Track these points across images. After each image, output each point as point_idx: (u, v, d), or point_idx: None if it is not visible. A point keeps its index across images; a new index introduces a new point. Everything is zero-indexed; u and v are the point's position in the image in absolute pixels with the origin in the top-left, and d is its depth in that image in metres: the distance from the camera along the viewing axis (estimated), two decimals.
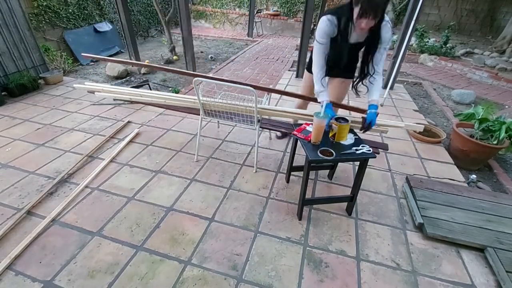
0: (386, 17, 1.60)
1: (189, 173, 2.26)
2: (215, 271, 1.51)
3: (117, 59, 2.55)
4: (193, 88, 3.99)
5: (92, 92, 2.59)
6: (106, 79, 4.38)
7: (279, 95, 3.89)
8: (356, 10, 1.49)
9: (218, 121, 2.93)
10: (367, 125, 1.78)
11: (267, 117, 2.37)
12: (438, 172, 2.46)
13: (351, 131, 1.85)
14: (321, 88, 1.80)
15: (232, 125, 3.03)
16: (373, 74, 1.77)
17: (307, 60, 2.21)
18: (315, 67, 1.80)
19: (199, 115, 2.29)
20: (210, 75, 2.67)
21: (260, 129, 2.35)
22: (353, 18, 1.56)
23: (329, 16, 1.65)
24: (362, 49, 1.80)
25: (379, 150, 2.08)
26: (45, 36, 4.71)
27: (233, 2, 9.34)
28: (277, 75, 4.90)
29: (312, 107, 2.32)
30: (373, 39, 1.67)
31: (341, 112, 2.26)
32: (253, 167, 2.36)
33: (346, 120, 1.67)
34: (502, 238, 1.74)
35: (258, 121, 2.19)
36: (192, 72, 2.39)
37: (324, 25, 1.66)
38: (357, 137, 1.78)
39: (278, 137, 2.88)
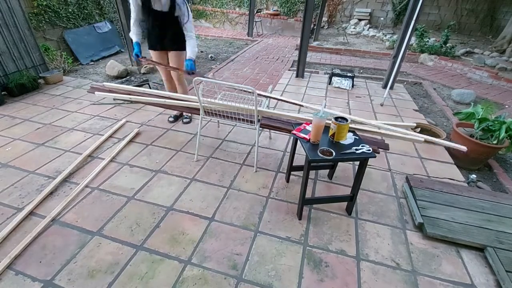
0: None
1: (189, 172, 2.26)
2: (215, 270, 1.51)
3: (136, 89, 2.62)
4: (192, 88, 3.99)
5: (114, 99, 2.78)
6: (106, 78, 4.38)
7: (279, 95, 3.89)
8: None
9: (218, 121, 2.93)
10: (188, 71, 2.49)
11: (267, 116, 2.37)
12: (438, 171, 2.46)
13: (351, 130, 1.86)
14: (132, 33, 2.49)
15: (232, 125, 3.03)
16: (187, 38, 2.49)
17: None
18: (132, 22, 2.45)
19: (199, 114, 2.29)
20: (211, 74, 2.67)
21: (260, 128, 2.35)
22: None
23: None
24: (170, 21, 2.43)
25: (380, 150, 2.08)
26: (45, 36, 4.71)
27: (233, 2, 9.34)
28: (277, 75, 4.90)
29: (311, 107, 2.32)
30: (173, 8, 2.35)
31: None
32: (253, 166, 2.36)
33: (346, 120, 1.67)
34: (502, 237, 1.74)
35: (258, 120, 2.19)
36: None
37: None
38: (357, 137, 1.78)
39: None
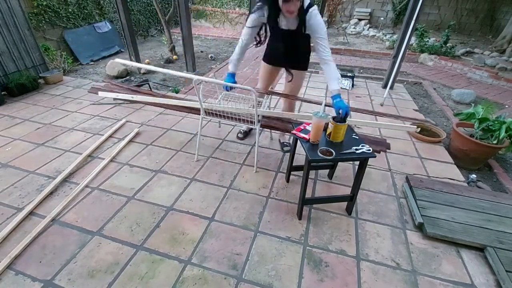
0: (315, 7, 1.77)
1: (189, 172, 2.26)
2: (215, 270, 1.51)
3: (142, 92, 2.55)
4: (193, 87, 3.98)
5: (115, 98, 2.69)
6: (106, 78, 4.37)
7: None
8: None
9: (219, 121, 2.92)
10: (341, 116, 1.72)
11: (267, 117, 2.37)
12: (438, 171, 2.46)
13: (352, 130, 1.86)
14: (235, 57, 2.08)
15: (232, 125, 3.03)
16: (322, 62, 1.88)
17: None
18: (238, 45, 2.05)
19: (199, 115, 2.29)
20: (211, 74, 2.66)
21: (261, 128, 2.35)
22: (278, 5, 1.71)
23: (259, 3, 1.84)
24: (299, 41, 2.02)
25: (381, 150, 2.08)
26: (45, 36, 4.71)
27: (233, 2, 9.33)
28: None
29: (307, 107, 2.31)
30: (302, 26, 1.81)
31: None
32: (253, 166, 2.36)
33: (344, 120, 1.67)
34: (502, 237, 1.74)
35: (259, 121, 2.19)
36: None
37: (254, 11, 1.87)
38: (357, 137, 1.78)
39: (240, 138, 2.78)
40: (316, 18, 1.78)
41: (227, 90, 2.16)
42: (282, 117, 2.33)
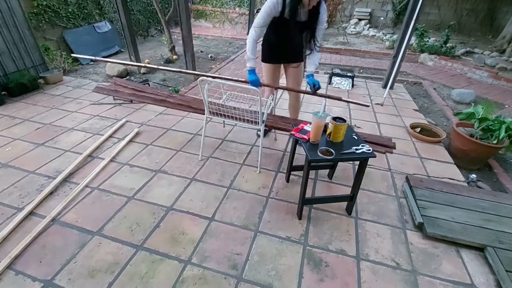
0: None
1: (189, 172, 2.26)
2: (215, 270, 1.51)
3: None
4: (193, 87, 3.98)
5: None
6: (106, 78, 4.38)
7: (280, 95, 3.89)
8: None
9: (224, 121, 2.92)
10: (314, 88, 2.11)
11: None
12: (438, 171, 2.46)
13: (352, 130, 1.86)
14: (253, 55, 2.10)
15: (232, 125, 3.03)
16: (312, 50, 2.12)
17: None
18: (251, 41, 2.04)
19: (203, 114, 2.29)
20: (212, 74, 2.65)
21: (266, 128, 2.34)
22: None
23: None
24: (304, 32, 2.10)
25: (386, 150, 2.08)
26: (45, 36, 4.70)
27: (233, 2, 9.33)
28: None
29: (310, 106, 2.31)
30: (316, 17, 1.95)
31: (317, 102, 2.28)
32: (253, 166, 2.36)
33: (344, 120, 1.67)
34: (502, 237, 1.74)
35: (263, 121, 2.19)
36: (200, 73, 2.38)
37: (270, 4, 1.88)
38: (357, 137, 1.78)
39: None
40: (325, 9, 1.96)
41: (258, 86, 2.13)
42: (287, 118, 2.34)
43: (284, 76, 2.55)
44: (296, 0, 1.83)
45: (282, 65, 2.42)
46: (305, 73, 2.18)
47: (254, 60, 2.12)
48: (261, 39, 2.17)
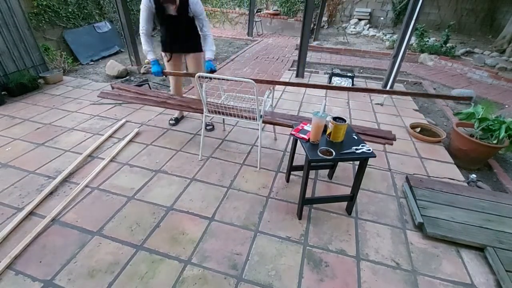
0: None
1: (189, 172, 2.26)
2: (215, 270, 1.51)
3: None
4: (192, 87, 3.98)
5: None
6: (106, 78, 4.38)
7: (279, 95, 3.89)
8: None
9: (223, 120, 2.92)
10: (209, 71, 2.40)
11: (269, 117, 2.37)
12: (438, 171, 2.46)
13: (352, 130, 1.86)
14: (148, 48, 2.39)
15: (232, 125, 3.03)
16: (203, 37, 2.45)
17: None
18: (142, 36, 2.36)
19: (201, 113, 2.29)
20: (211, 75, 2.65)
21: (263, 124, 2.34)
22: None
23: None
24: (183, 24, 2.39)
25: (386, 142, 2.08)
26: (45, 36, 4.71)
27: (233, 2, 9.34)
28: (277, 75, 4.90)
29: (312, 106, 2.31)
30: (185, 11, 2.28)
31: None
32: (253, 166, 2.36)
33: (344, 120, 1.67)
34: (502, 237, 1.74)
35: (261, 116, 2.18)
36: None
37: (144, 2, 2.23)
38: (357, 137, 1.78)
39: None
40: (198, 4, 2.30)
41: (160, 75, 2.46)
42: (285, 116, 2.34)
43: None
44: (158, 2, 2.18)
45: (183, 55, 2.66)
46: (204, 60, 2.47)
47: (151, 52, 2.39)
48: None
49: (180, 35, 2.45)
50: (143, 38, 2.36)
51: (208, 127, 2.89)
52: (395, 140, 2.13)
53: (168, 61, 2.62)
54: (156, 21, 2.39)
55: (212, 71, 2.41)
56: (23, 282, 1.42)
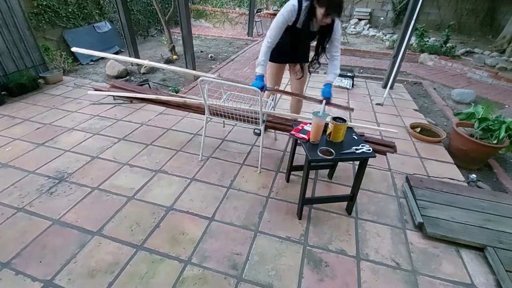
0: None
1: (189, 172, 2.26)
2: (215, 270, 1.51)
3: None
4: (193, 87, 3.98)
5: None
6: (106, 78, 4.37)
7: (279, 95, 3.88)
8: (321, 11, 1.77)
9: (223, 121, 2.92)
10: (324, 100, 2.13)
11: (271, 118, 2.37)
12: (438, 171, 2.46)
13: (352, 130, 1.86)
14: (264, 63, 2.08)
15: (232, 125, 3.03)
16: (331, 58, 2.12)
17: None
18: (265, 47, 2.03)
19: (203, 114, 2.29)
20: (216, 74, 2.65)
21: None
22: (315, 15, 1.83)
23: (295, 3, 1.88)
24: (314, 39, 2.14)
25: (387, 150, 2.07)
26: (45, 36, 4.70)
27: (233, 2, 9.34)
28: None
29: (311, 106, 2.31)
30: (329, 30, 1.97)
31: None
32: (253, 166, 2.36)
33: (344, 120, 1.67)
34: (502, 237, 1.74)
35: (263, 121, 2.18)
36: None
37: (288, 11, 1.90)
38: (357, 137, 1.78)
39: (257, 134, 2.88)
40: (339, 22, 2.00)
41: (262, 90, 2.07)
42: (288, 117, 2.33)
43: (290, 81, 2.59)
44: (310, 15, 1.86)
45: (287, 65, 2.46)
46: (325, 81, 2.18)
47: (263, 66, 2.09)
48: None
49: (301, 48, 2.24)
50: (265, 49, 2.04)
51: (256, 130, 2.81)
52: (395, 151, 2.11)
53: (272, 70, 2.45)
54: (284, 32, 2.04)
55: (326, 98, 2.13)
56: (23, 282, 1.42)
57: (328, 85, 2.14)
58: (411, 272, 1.57)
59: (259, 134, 2.82)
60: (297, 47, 2.21)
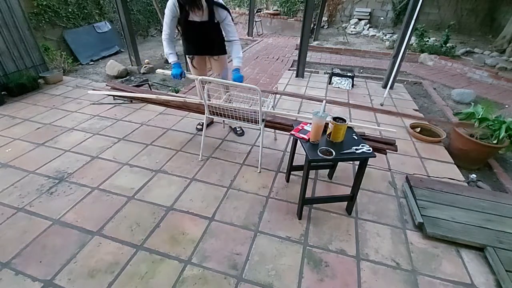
0: (220, 1, 2.16)
1: (189, 172, 2.26)
2: (215, 270, 1.51)
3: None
4: (192, 87, 3.98)
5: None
6: (106, 78, 4.38)
7: (279, 95, 3.88)
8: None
9: (223, 121, 2.92)
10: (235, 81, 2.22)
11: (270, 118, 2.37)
12: (438, 171, 2.46)
13: (352, 130, 1.86)
14: (170, 51, 2.26)
15: (232, 126, 3.02)
16: (229, 44, 2.31)
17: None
18: (164, 40, 2.25)
19: (203, 114, 2.29)
20: (215, 74, 2.65)
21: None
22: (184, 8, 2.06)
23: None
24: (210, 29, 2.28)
25: (387, 149, 2.07)
26: (45, 36, 4.70)
27: (233, 1, 9.33)
28: (277, 75, 4.90)
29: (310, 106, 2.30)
30: (211, 18, 2.18)
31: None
32: (253, 166, 2.36)
33: (344, 120, 1.67)
34: (502, 237, 1.74)
35: (263, 120, 2.19)
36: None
37: (170, 5, 2.11)
38: (357, 137, 1.78)
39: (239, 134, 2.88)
40: (223, 10, 2.21)
41: (179, 79, 2.32)
42: (286, 117, 2.33)
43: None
44: (184, 5, 2.06)
45: (207, 58, 2.56)
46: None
47: (173, 54, 2.28)
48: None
49: (204, 40, 2.34)
50: (165, 42, 2.25)
51: (239, 131, 2.85)
52: (396, 151, 2.10)
53: (191, 63, 2.52)
54: (179, 26, 2.25)
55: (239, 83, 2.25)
56: (23, 282, 1.42)
57: (236, 69, 2.29)
58: (411, 272, 1.57)
59: (200, 130, 2.83)
60: (199, 40, 2.35)
